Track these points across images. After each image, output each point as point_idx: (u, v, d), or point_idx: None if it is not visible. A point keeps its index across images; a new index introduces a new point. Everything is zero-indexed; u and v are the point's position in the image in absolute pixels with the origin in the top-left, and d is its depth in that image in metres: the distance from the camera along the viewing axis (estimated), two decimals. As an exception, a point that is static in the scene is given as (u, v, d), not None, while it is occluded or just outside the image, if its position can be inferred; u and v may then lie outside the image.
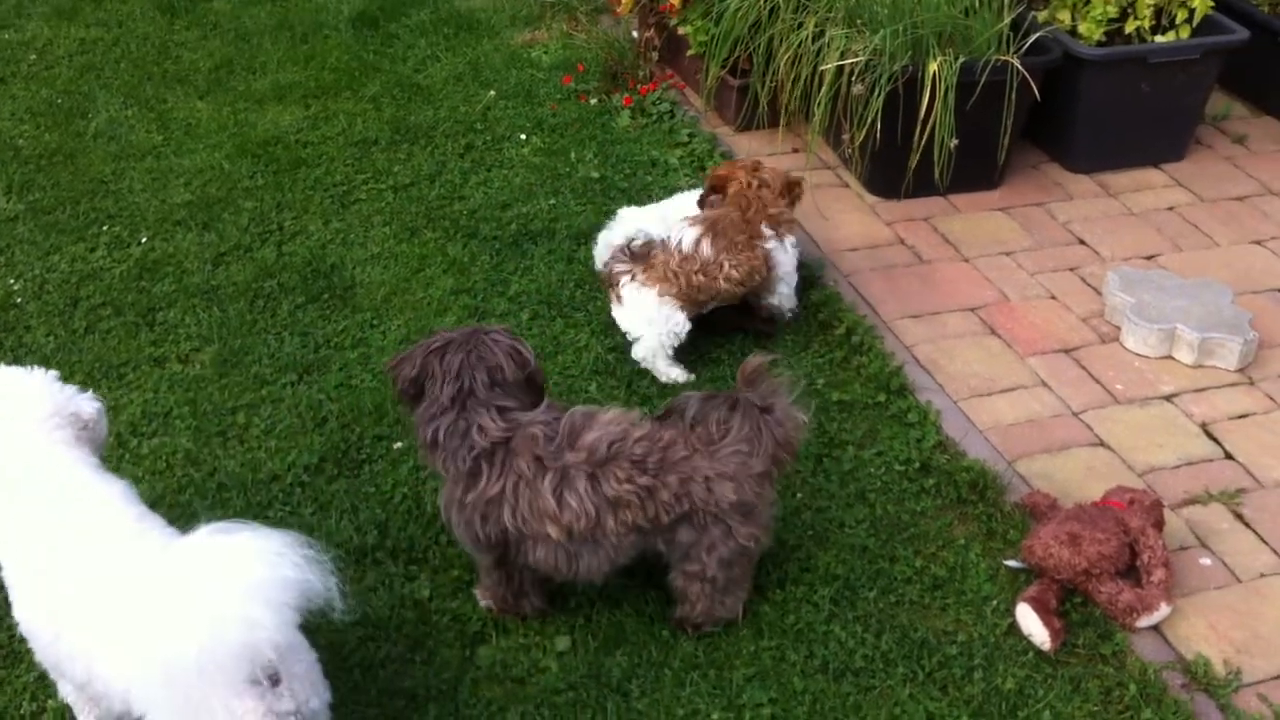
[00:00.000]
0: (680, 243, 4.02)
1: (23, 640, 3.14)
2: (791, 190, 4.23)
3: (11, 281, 4.54)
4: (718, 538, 3.05)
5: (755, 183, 4.13)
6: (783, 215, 4.16)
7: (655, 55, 5.88)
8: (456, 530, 3.09)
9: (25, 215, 4.93)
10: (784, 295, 4.25)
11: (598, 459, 2.95)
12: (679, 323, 4.03)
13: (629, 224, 4.22)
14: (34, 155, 5.35)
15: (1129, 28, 5.06)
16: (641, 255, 4.03)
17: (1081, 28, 5.04)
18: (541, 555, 3.03)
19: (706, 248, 4.01)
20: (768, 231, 4.11)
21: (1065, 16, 5.12)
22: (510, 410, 3.01)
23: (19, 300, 4.45)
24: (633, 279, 4.02)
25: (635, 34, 6.01)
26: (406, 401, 3.09)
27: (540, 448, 2.96)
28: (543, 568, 3.08)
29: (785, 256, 4.18)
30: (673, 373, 4.08)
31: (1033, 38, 4.79)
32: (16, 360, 4.11)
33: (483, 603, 3.31)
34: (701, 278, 4.00)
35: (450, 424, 2.97)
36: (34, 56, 6.19)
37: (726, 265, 4.02)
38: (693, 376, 4.10)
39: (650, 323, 4.02)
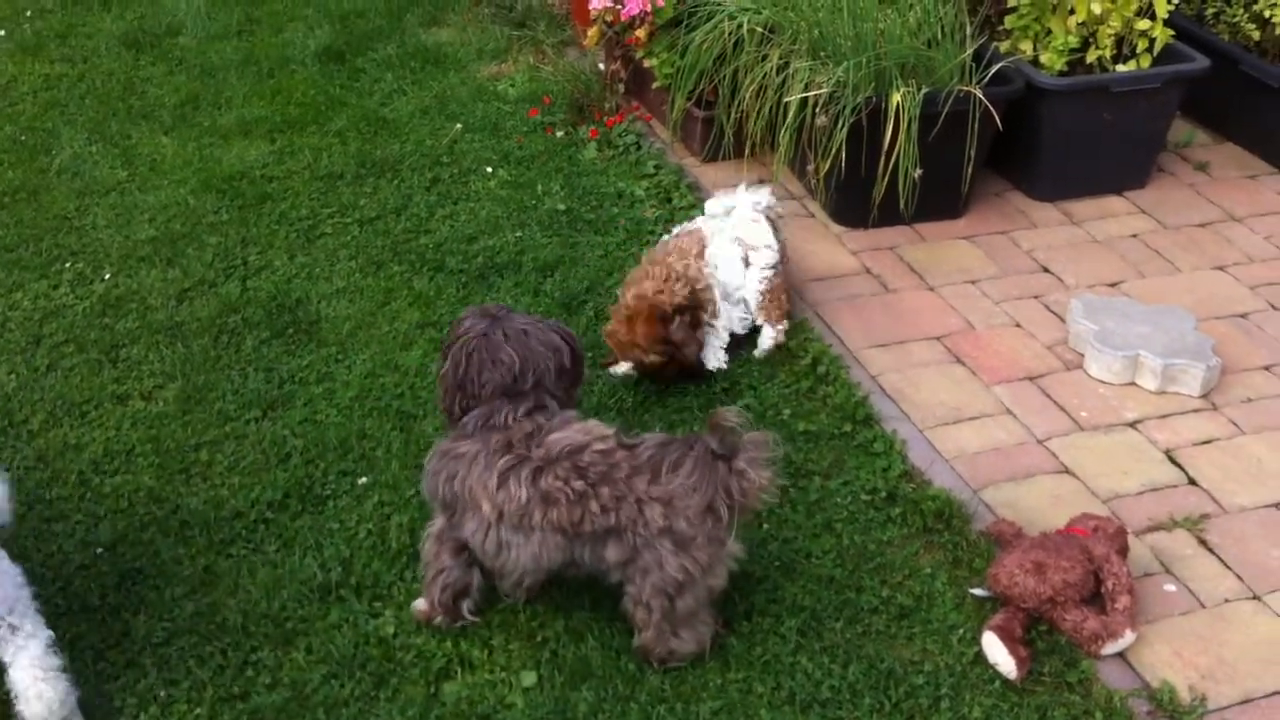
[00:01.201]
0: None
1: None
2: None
3: (-27, 319, 4.52)
4: (650, 563, 3.05)
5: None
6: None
7: (621, 87, 5.90)
8: (425, 477, 3.22)
9: (-12, 252, 4.91)
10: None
11: (549, 457, 3.04)
12: None
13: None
14: (-3, 192, 5.33)
15: (1090, 57, 5.10)
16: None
17: (1043, 58, 5.08)
18: (474, 530, 3.11)
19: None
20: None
21: (1027, 47, 5.17)
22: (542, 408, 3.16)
23: (-20, 338, 4.42)
24: None
25: (601, 66, 6.04)
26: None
27: (516, 436, 3.07)
28: (474, 546, 3.14)
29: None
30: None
31: (995, 68, 4.82)
32: (-23, 399, 4.10)
33: (415, 606, 3.34)
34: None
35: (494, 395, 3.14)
36: (-2, 93, 6.18)
37: None
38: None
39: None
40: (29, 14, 6.98)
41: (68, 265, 4.83)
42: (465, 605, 3.31)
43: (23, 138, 5.76)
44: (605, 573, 3.14)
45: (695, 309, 4.15)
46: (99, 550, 3.57)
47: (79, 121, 5.90)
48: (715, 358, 4.26)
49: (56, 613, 3.33)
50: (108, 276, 4.75)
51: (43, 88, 6.23)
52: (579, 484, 3.01)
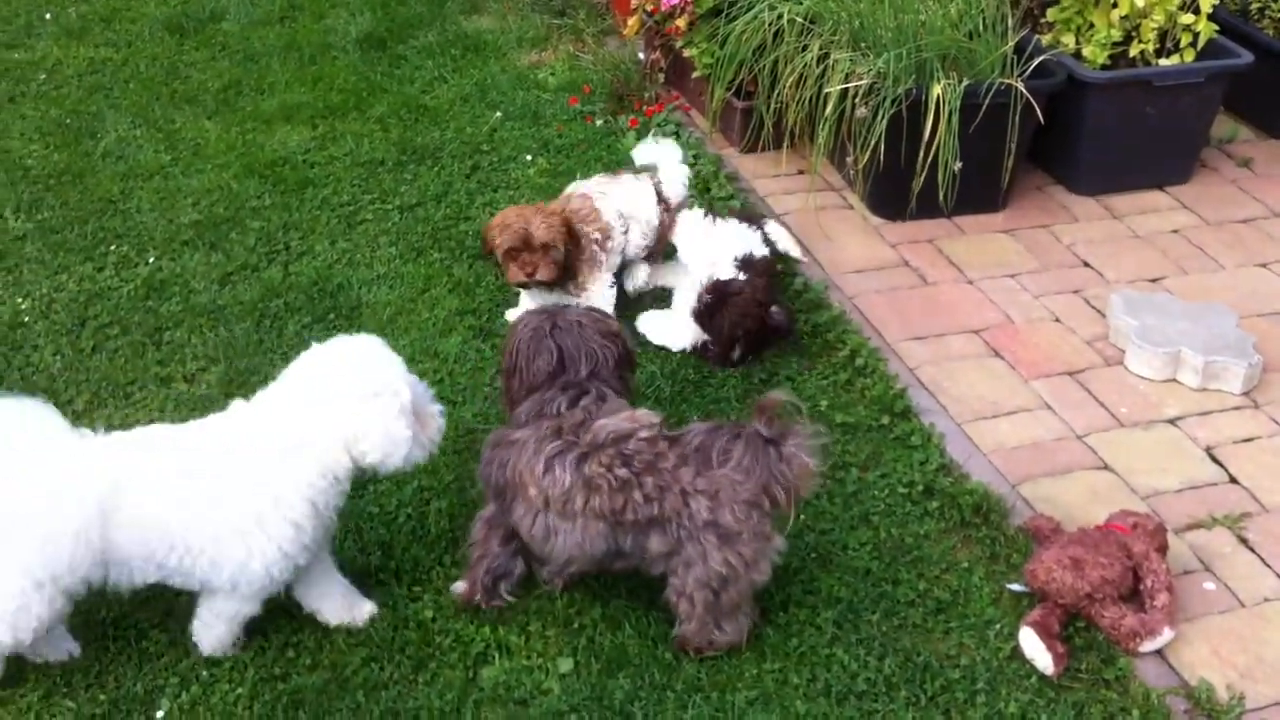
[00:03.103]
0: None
1: (27, 659, 3.20)
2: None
3: (20, 301, 4.56)
4: (694, 556, 3.06)
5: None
6: None
7: (661, 77, 5.91)
8: (480, 464, 3.30)
9: (34, 234, 4.95)
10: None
11: (595, 443, 3.07)
12: None
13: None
14: (43, 175, 5.37)
15: (1133, 51, 5.08)
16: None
17: (1086, 51, 5.06)
18: (522, 515, 3.15)
19: None
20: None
21: (1069, 40, 5.14)
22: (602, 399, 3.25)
23: (27, 319, 4.46)
24: None
25: (641, 56, 6.04)
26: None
27: (567, 424, 3.12)
28: (522, 532, 3.17)
29: None
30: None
31: (1036, 61, 4.80)
32: (24, 380, 4.14)
33: (455, 588, 3.38)
34: None
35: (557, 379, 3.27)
36: (43, 76, 6.23)
37: None
38: None
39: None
40: (74, -2, 7.05)
41: (112, 248, 4.88)
42: (504, 587, 3.35)
43: (68, 121, 5.81)
44: (649, 564, 3.15)
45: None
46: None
47: (123, 105, 5.95)
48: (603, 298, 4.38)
49: (98, 592, 3.37)
50: (152, 260, 4.80)
51: (88, 71, 6.28)
52: (622, 471, 3.03)
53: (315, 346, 3.06)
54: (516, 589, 3.37)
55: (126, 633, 3.28)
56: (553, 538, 3.12)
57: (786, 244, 4.55)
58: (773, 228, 4.55)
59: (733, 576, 3.08)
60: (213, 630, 3.18)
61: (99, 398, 4.10)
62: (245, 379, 4.17)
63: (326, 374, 2.99)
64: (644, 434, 3.08)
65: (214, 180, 5.32)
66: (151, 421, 3.97)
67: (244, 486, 2.96)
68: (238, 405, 3.09)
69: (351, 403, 2.94)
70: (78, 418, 4.01)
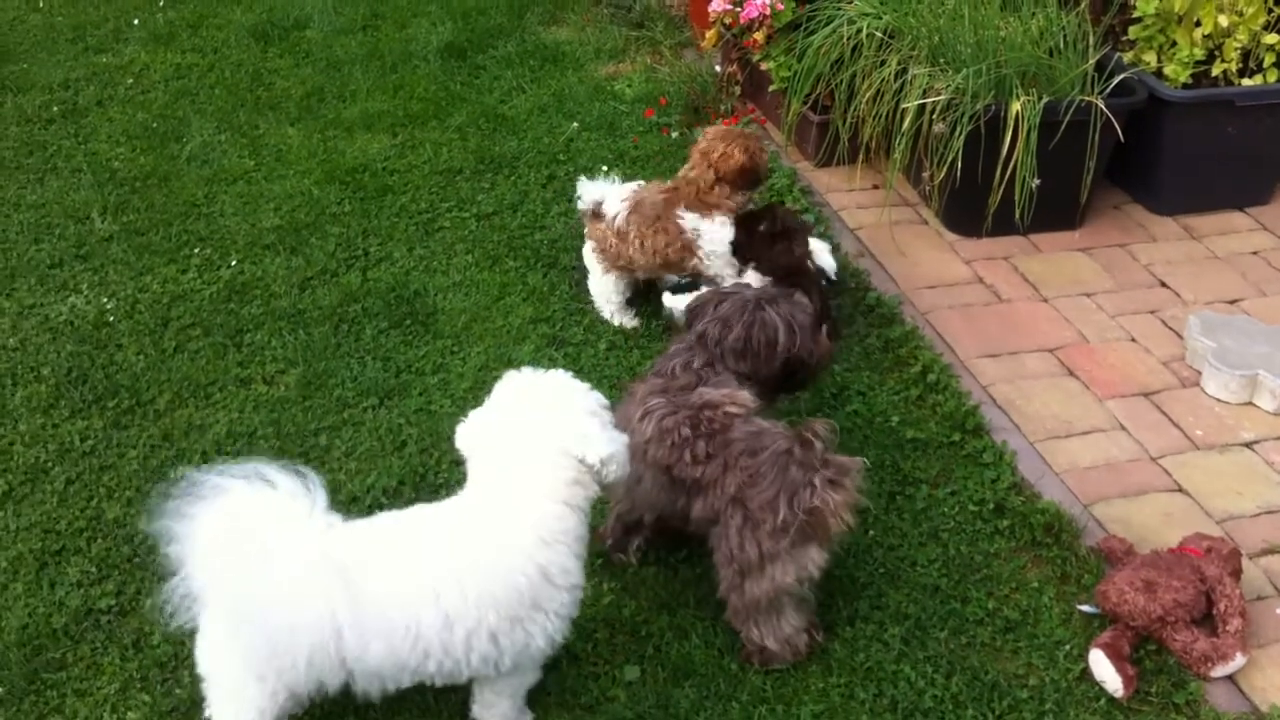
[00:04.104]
0: (614, 215, 4.42)
1: (104, 652, 3.27)
2: (744, 178, 4.37)
3: (105, 300, 4.67)
4: (722, 531, 3.14)
5: (710, 164, 4.37)
6: (713, 199, 4.36)
7: (737, 90, 5.92)
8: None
9: (120, 236, 5.07)
10: (721, 270, 4.39)
11: (685, 404, 3.20)
12: (610, 283, 4.51)
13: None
14: (129, 177, 5.50)
15: (1215, 70, 5.03)
16: (595, 216, 4.48)
17: (1167, 69, 5.01)
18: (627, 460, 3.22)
19: (623, 221, 4.39)
20: (686, 213, 4.35)
21: (1151, 58, 5.10)
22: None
23: (111, 319, 4.57)
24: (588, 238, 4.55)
25: (718, 68, 6.07)
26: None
27: (675, 384, 3.32)
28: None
29: (717, 234, 4.34)
30: (619, 319, 4.56)
31: (1117, 79, 4.77)
32: (108, 379, 4.24)
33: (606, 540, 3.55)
34: (620, 245, 4.41)
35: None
36: (131, 81, 6.37)
37: (638, 240, 4.39)
38: (638, 324, 4.55)
39: (592, 276, 4.57)
40: (162, 4, 7.19)
41: (196, 251, 4.98)
42: (632, 543, 3.51)
43: (154, 125, 5.94)
44: (699, 529, 3.26)
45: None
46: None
47: (208, 110, 6.07)
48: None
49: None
50: (234, 263, 4.89)
51: (174, 77, 6.41)
52: (686, 431, 3.15)
53: (482, 413, 2.85)
54: (640, 552, 3.52)
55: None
56: (636, 485, 3.25)
57: (825, 259, 4.57)
58: (815, 243, 4.55)
59: (751, 566, 3.10)
60: (495, 708, 3.02)
61: (180, 398, 4.19)
62: (322, 382, 4.24)
63: (536, 413, 2.79)
64: (730, 408, 3.17)
65: (295, 186, 5.41)
66: (231, 421, 4.06)
67: (506, 570, 2.73)
68: (470, 489, 2.85)
69: (580, 426, 2.77)
70: (159, 416, 4.11)
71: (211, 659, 2.78)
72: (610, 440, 2.80)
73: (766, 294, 3.54)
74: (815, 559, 3.13)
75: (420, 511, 2.89)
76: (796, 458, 3.04)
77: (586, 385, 2.88)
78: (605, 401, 2.89)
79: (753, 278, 4.17)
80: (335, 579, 2.63)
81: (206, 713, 2.88)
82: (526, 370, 2.89)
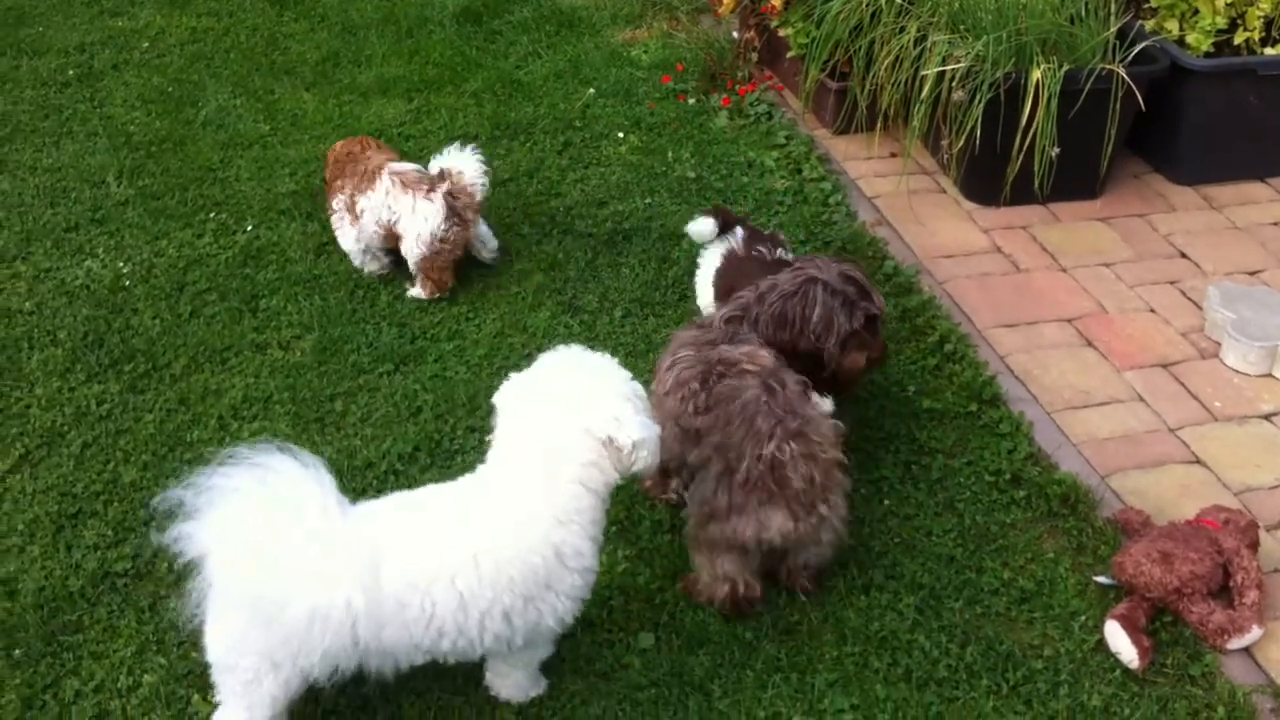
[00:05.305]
0: None
1: (121, 615, 3.28)
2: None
3: (121, 265, 4.67)
4: (701, 475, 3.23)
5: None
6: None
7: (755, 56, 5.89)
8: None
9: (135, 200, 5.06)
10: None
11: (706, 359, 3.26)
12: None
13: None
14: (144, 142, 5.49)
15: (1238, 39, 4.98)
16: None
17: (1189, 38, 4.96)
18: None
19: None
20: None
21: (1173, 26, 5.05)
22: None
23: (127, 283, 4.57)
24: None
25: (735, 35, 6.03)
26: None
27: (704, 338, 3.36)
28: None
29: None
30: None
31: (1139, 47, 4.73)
32: (124, 342, 4.24)
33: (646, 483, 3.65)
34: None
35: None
36: (146, 45, 6.34)
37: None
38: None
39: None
40: (177, -32, 7.16)
41: (211, 215, 4.97)
42: (670, 484, 3.58)
43: (170, 89, 5.92)
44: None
45: None
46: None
47: (224, 75, 6.05)
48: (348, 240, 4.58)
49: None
50: (249, 228, 4.88)
51: (189, 40, 6.39)
52: (696, 385, 3.20)
53: (520, 379, 2.87)
54: (678, 493, 3.56)
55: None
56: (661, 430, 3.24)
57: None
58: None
59: (719, 510, 3.14)
60: (509, 678, 3.05)
61: (196, 362, 4.19)
62: (338, 347, 4.24)
63: (567, 393, 2.76)
64: (747, 366, 3.19)
65: (311, 151, 5.40)
66: (247, 386, 4.06)
67: (521, 550, 2.73)
68: (489, 465, 2.86)
69: (613, 408, 2.73)
70: (175, 380, 4.11)
71: (225, 648, 2.75)
72: (643, 426, 2.75)
73: (836, 280, 3.44)
74: (778, 524, 3.10)
75: (435, 491, 2.89)
76: (763, 406, 3.08)
77: (628, 373, 2.84)
78: (642, 391, 2.85)
79: None
80: (351, 564, 2.63)
81: (215, 698, 2.88)
82: (574, 347, 2.87)
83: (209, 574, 2.63)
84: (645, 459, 2.78)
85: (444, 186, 4.36)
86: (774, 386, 3.13)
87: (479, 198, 4.43)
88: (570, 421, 2.73)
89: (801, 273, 3.47)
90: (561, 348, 2.88)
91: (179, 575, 3.24)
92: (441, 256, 4.39)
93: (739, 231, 4.12)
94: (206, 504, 2.60)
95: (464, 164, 4.40)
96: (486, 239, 4.61)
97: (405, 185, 4.37)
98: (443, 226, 4.33)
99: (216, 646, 2.76)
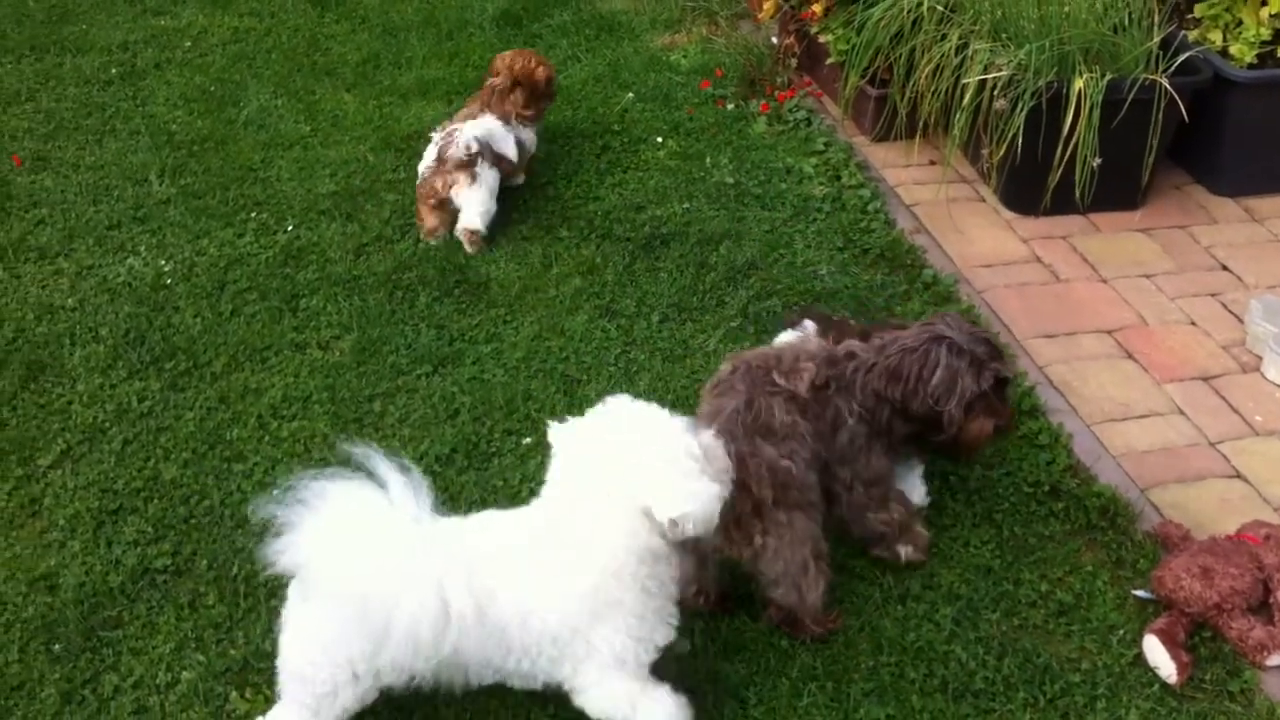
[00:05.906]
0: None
1: (160, 611, 3.30)
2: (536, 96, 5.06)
3: (162, 263, 4.70)
4: None
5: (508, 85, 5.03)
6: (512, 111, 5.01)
7: (794, 62, 5.89)
8: None
9: (177, 199, 5.10)
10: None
11: (761, 353, 3.28)
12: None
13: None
14: (186, 141, 5.53)
15: (1283, 50, 4.95)
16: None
17: (1233, 49, 4.93)
18: None
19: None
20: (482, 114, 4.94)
21: (1216, 37, 5.02)
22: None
23: (169, 282, 4.60)
24: None
25: (775, 40, 6.02)
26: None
27: (773, 372, 3.22)
28: None
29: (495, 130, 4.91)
30: None
31: (1182, 57, 4.70)
32: (165, 340, 4.27)
33: None
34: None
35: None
36: (189, 44, 6.40)
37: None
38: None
39: None
40: (220, -32, 7.21)
41: (252, 215, 5.00)
42: None
43: (212, 89, 5.96)
44: None
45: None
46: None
47: (265, 75, 6.09)
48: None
49: (233, 550, 3.49)
50: (290, 228, 4.91)
51: (231, 40, 6.44)
52: (729, 373, 3.22)
53: (573, 431, 2.77)
54: None
55: (257, 590, 3.37)
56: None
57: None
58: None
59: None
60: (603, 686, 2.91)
61: (236, 361, 4.22)
62: (377, 348, 4.26)
63: (616, 450, 2.65)
64: (798, 359, 3.21)
65: (351, 152, 5.43)
66: (286, 385, 4.09)
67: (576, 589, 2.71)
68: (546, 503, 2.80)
69: (654, 477, 2.60)
70: (215, 379, 4.14)
71: (308, 659, 2.73)
72: (689, 497, 2.59)
73: (964, 339, 3.23)
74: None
75: (508, 518, 2.88)
76: (743, 420, 3.09)
77: (684, 423, 2.70)
78: (696, 450, 2.66)
79: None
80: (454, 570, 2.64)
81: (273, 711, 2.87)
82: (625, 399, 2.73)
83: (305, 579, 2.64)
84: (693, 530, 2.62)
85: (441, 134, 4.87)
86: (753, 401, 3.10)
87: (458, 158, 4.75)
88: (611, 486, 2.63)
89: (929, 329, 3.27)
90: (612, 399, 2.74)
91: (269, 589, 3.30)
92: (422, 189, 4.83)
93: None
94: (311, 508, 2.60)
95: (465, 132, 4.81)
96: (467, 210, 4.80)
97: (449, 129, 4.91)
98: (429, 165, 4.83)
99: (297, 656, 2.75)
